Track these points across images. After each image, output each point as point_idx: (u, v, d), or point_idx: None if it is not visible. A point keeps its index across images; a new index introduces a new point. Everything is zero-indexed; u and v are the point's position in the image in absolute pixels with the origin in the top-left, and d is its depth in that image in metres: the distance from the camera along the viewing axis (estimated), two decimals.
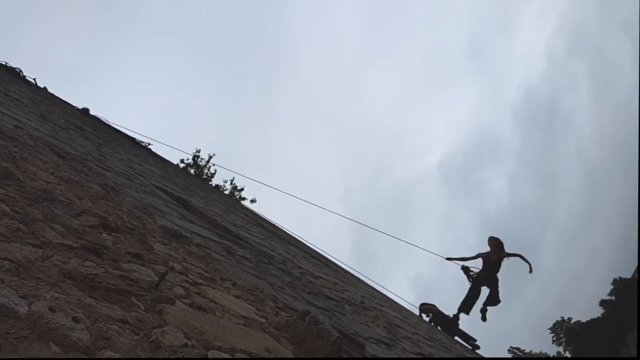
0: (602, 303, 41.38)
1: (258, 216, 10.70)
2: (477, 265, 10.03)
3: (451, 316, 10.91)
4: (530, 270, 9.66)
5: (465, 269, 10.16)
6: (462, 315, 9.90)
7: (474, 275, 9.99)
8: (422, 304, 11.37)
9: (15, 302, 1.03)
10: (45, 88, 10.07)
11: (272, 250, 5.10)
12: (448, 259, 10.37)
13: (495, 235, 10.02)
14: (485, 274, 9.78)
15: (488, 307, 9.92)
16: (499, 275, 9.81)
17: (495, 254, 9.74)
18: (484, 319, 10.00)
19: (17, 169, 2.18)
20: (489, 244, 9.97)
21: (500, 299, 9.88)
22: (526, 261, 9.72)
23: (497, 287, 9.84)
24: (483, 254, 9.87)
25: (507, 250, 9.90)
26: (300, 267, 5.09)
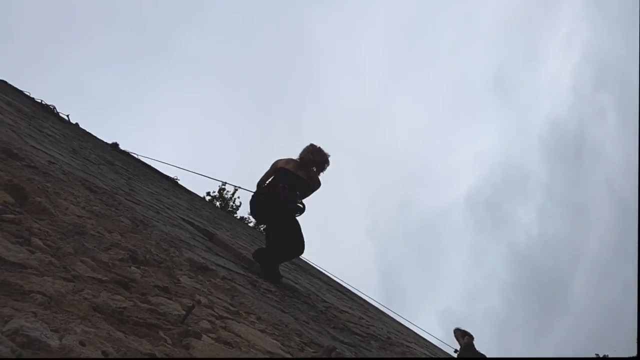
0: None
1: None
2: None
3: (481, 352, 10.59)
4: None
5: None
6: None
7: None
8: (458, 329, 10.88)
9: (47, 335, 1.05)
10: (77, 124, 10.38)
11: (297, 284, 5.08)
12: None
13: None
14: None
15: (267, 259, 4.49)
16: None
17: (305, 166, 4.84)
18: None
19: (50, 203, 2.25)
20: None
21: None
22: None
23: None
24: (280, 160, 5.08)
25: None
26: (325, 301, 5.04)
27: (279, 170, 4.82)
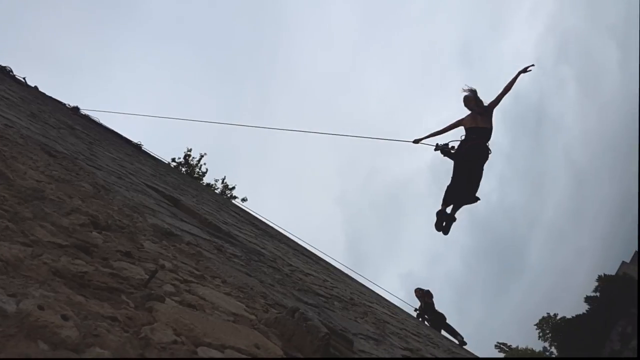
0: (587, 299, 41.97)
1: (249, 215, 10.70)
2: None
3: (440, 311, 11.00)
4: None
5: (443, 149, 6.66)
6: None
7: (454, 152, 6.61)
8: (419, 289, 11.36)
9: (3, 300, 1.04)
10: (36, 87, 10.01)
11: (263, 248, 5.12)
12: (415, 141, 6.95)
13: (469, 87, 6.51)
14: (466, 147, 6.36)
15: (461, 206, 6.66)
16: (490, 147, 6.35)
17: (478, 112, 6.35)
18: (446, 229, 6.69)
19: (7, 167, 2.19)
20: (465, 102, 6.46)
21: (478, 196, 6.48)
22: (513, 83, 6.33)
23: (479, 171, 6.29)
24: (463, 119, 6.51)
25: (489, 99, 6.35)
26: (291, 265, 5.11)
27: (466, 130, 6.39)
